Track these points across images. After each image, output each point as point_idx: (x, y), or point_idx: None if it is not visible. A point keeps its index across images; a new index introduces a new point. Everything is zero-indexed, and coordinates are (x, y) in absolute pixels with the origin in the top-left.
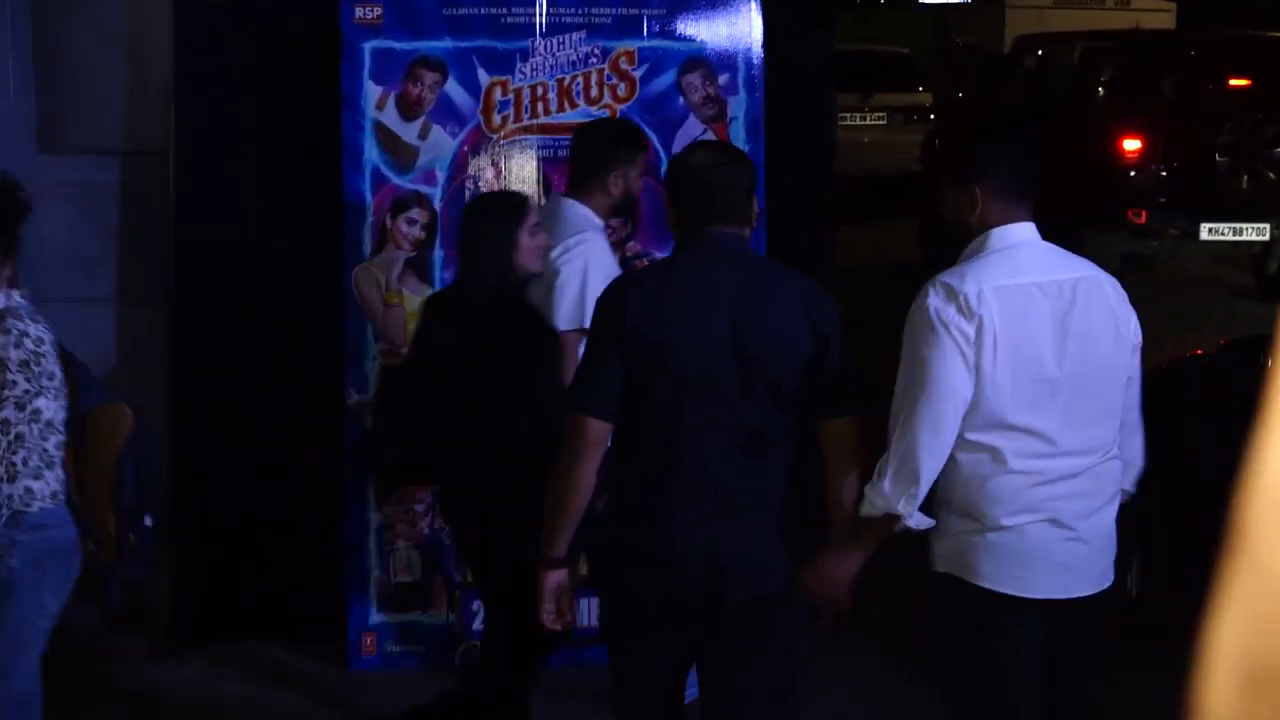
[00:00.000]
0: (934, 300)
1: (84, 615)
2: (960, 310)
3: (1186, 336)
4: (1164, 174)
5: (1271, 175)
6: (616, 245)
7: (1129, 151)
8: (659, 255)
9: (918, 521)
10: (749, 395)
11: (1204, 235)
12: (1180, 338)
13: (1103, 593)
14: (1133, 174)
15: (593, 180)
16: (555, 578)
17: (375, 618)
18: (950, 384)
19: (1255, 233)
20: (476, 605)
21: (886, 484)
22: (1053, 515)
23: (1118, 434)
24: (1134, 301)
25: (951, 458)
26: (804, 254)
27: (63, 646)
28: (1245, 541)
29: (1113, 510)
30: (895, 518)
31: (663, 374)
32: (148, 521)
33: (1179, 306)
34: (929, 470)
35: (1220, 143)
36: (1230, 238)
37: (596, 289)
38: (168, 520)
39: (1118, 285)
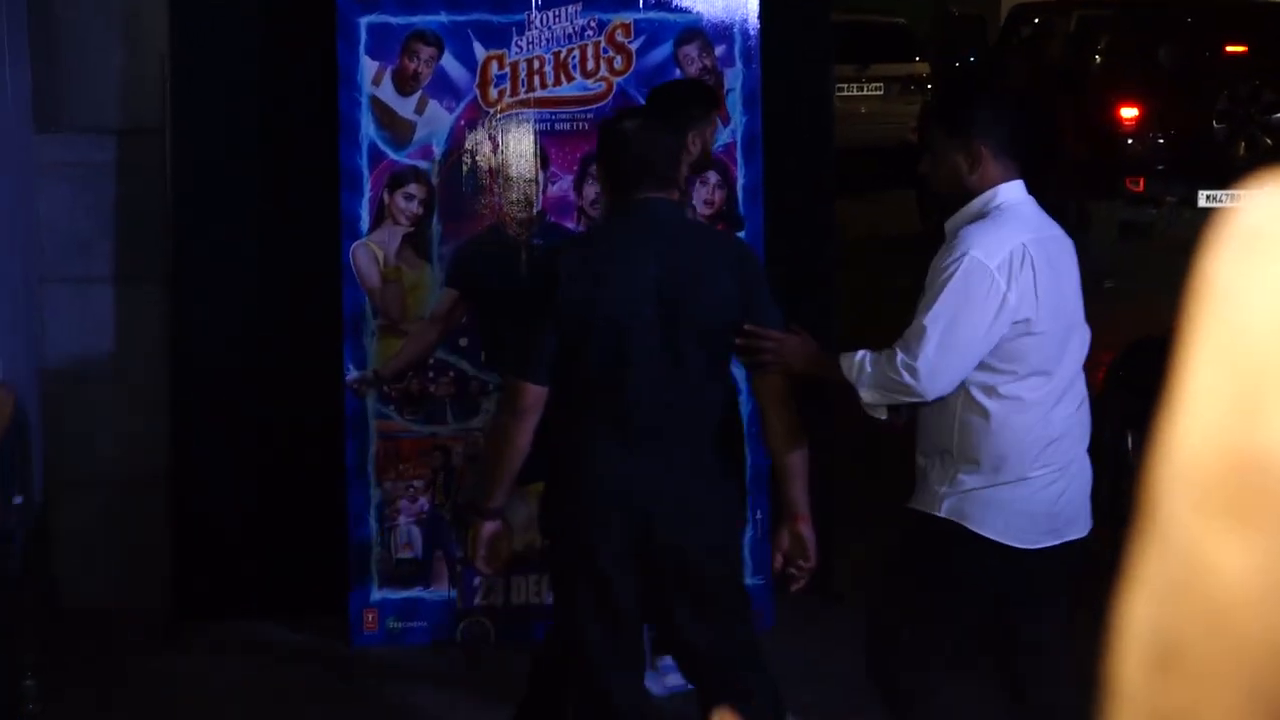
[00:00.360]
0: (975, 251)
1: (88, 590)
2: (1001, 266)
3: (1184, 304)
4: (1161, 142)
5: (1268, 141)
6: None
7: (1126, 119)
8: None
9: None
10: (678, 349)
11: (1202, 202)
12: (1177, 305)
13: (1082, 539)
14: (1130, 142)
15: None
16: (491, 527)
17: (377, 594)
18: (989, 331)
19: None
20: (477, 581)
21: (872, 393)
22: (1061, 465)
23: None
24: (1132, 268)
25: (982, 410)
26: (803, 225)
27: (65, 623)
28: (1154, 519)
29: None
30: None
31: (594, 334)
32: (17, 500)
33: (1177, 273)
34: (939, 393)
35: (1217, 110)
36: (1229, 205)
37: None
38: (168, 497)
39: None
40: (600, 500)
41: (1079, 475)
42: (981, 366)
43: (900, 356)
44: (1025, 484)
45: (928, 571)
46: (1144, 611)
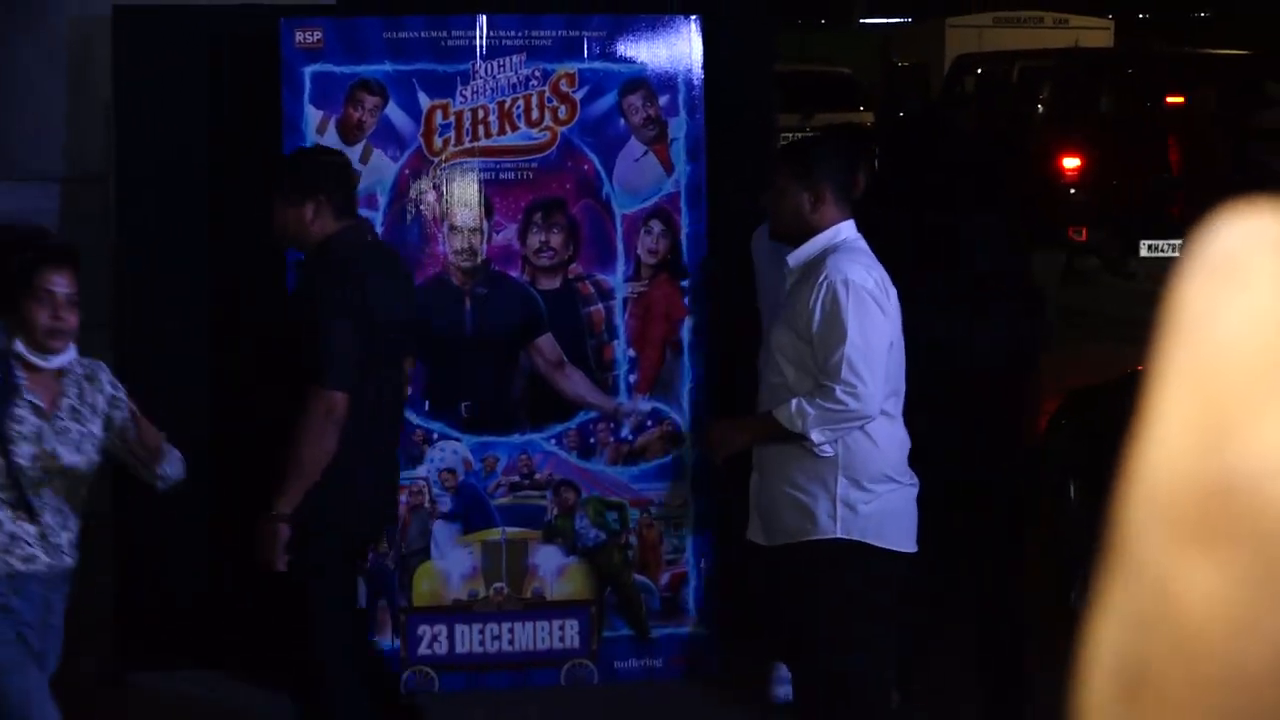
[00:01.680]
0: (853, 276)
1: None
2: (879, 286)
3: (1126, 352)
4: (1103, 191)
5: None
6: (558, 268)
7: (1068, 169)
8: (600, 277)
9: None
10: (399, 363)
11: (1143, 252)
12: (1119, 354)
13: None
14: (1072, 191)
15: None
16: (286, 530)
17: None
18: (886, 346)
19: None
20: (421, 630)
21: (816, 430)
22: (910, 474)
23: None
24: (1075, 317)
25: (873, 427)
26: (747, 273)
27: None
28: (1123, 546)
29: None
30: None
31: (372, 346)
32: None
33: (1118, 322)
34: (880, 409)
35: (1158, 160)
36: (1169, 254)
37: None
38: (113, 542)
39: None
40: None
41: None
42: None
43: (837, 389)
44: (903, 491)
45: (840, 596)
46: (1113, 638)
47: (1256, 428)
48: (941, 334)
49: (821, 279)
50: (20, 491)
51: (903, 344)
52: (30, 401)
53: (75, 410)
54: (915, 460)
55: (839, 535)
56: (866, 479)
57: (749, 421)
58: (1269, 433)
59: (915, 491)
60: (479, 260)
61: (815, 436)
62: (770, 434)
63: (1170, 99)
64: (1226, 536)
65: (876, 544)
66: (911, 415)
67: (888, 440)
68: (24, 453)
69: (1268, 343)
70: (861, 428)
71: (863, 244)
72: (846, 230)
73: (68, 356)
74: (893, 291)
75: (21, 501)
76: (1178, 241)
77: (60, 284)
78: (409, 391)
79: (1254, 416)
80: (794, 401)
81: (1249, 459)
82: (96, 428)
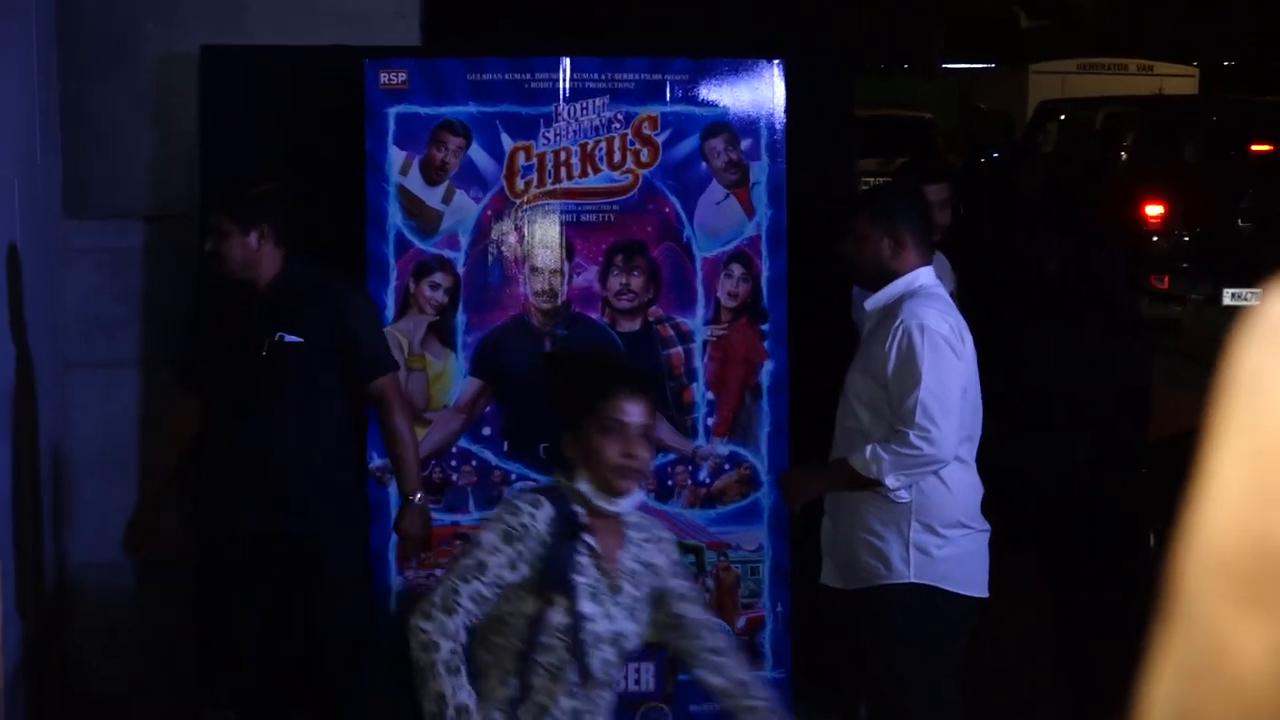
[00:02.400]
0: (929, 321)
1: (108, 675)
2: (954, 331)
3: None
4: (1186, 239)
5: None
6: (638, 310)
7: (1151, 216)
8: (680, 319)
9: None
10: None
11: (1227, 300)
12: (1203, 403)
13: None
14: (1155, 239)
15: None
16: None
17: None
18: (960, 393)
19: None
20: None
21: (890, 473)
22: (982, 520)
23: None
24: (1158, 367)
25: (947, 473)
26: (826, 317)
27: (84, 709)
28: (1180, 598)
29: None
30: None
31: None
32: None
33: (1202, 372)
34: (954, 454)
35: (1242, 208)
36: (1253, 302)
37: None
38: (192, 582)
39: None
40: None
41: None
42: None
43: (911, 434)
44: (976, 537)
45: (912, 639)
46: (1166, 690)
47: None
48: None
49: (898, 324)
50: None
51: (978, 389)
52: (591, 547)
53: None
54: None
55: (912, 580)
56: (940, 524)
57: (824, 469)
58: None
59: (987, 537)
60: (559, 302)
61: (890, 482)
62: (845, 481)
63: (1255, 147)
64: (1278, 597)
65: (949, 589)
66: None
67: (961, 485)
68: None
69: None
70: (936, 473)
71: (940, 290)
72: (924, 276)
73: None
74: (968, 337)
75: (582, 667)
76: (1261, 290)
77: (634, 414)
78: (487, 431)
79: None
80: (869, 448)
81: None
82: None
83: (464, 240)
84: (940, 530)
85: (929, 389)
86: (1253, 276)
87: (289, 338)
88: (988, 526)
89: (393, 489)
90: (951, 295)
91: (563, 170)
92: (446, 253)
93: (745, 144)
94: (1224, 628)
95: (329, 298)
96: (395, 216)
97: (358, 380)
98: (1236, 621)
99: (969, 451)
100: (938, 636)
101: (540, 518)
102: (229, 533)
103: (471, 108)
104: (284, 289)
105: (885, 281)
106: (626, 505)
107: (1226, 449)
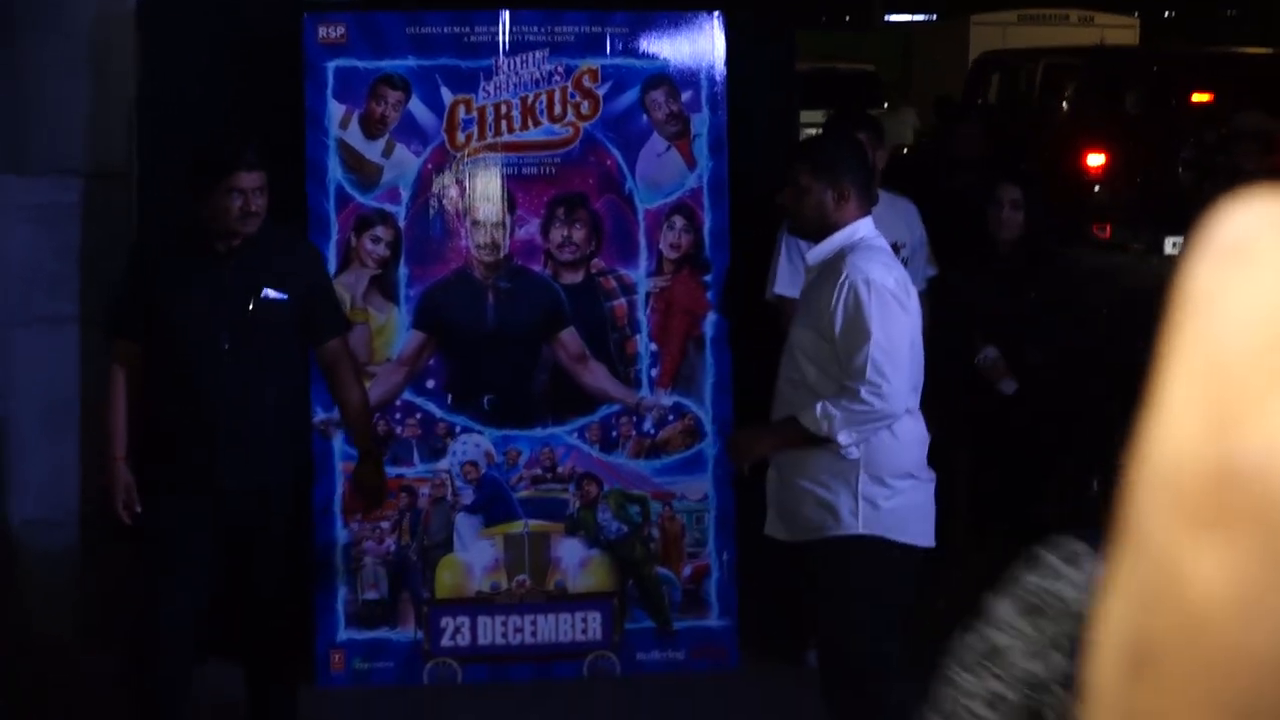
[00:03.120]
0: (874, 275)
1: (55, 625)
2: (899, 283)
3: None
4: (1128, 189)
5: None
6: (580, 262)
7: (1093, 167)
8: (622, 271)
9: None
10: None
11: (1168, 249)
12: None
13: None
14: (1097, 189)
15: None
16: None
17: (343, 634)
18: (908, 343)
19: None
20: (444, 622)
21: (841, 429)
22: (928, 470)
23: None
24: (1097, 314)
25: (896, 425)
26: (768, 268)
27: (31, 655)
28: (1131, 524)
29: None
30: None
31: None
32: None
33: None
34: (907, 408)
35: (1183, 157)
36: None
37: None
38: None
39: None
40: None
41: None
42: None
43: (863, 389)
44: (922, 487)
45: (860, 590)
46: (1120, 617)
47: (1263, 412)
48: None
49: (842, 279)
50: None
51: (921, 342)
52: None
53: None
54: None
55: (861, 531)
56: (888, 475)
57: (773, 428)
58: (1276, 417)
59: (933, 487)
60: (501, 255)
61: (843, 438)
62: (795, 439)
63: (1195, 97)
64: (1233, 520)
65: (896, 539)
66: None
67: (909, 437)
68: None
69: (1275, 326)
70: (888, 426)
71: (881, 241)
72: (864, 228)
73: None
74: (913, 290)
75: None
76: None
77: None
78: (431, 384)
79: (1261, 400)
80: (819, 405)
81: (1256, 443)
82: None
83: (405, 194)
84: (889, 481)
85: (879, 344)
86: (1194, 225)
87: (273, 295)
88: (933, 476)
89: (336, 443)
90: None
91: (503, 123)
92: (387, 206)
93: (686, 96)
94: (1178, 553)
95: (300, 251)
96: (335, 170)
97: (315, 336)
98: (1191, 546)
99: (915, 402)
100: (885, 588)
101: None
102: (191, 485)
103: (411, 61)
104: (258, 245)
105: (826, 233)
106: None
107: (1176, 374)
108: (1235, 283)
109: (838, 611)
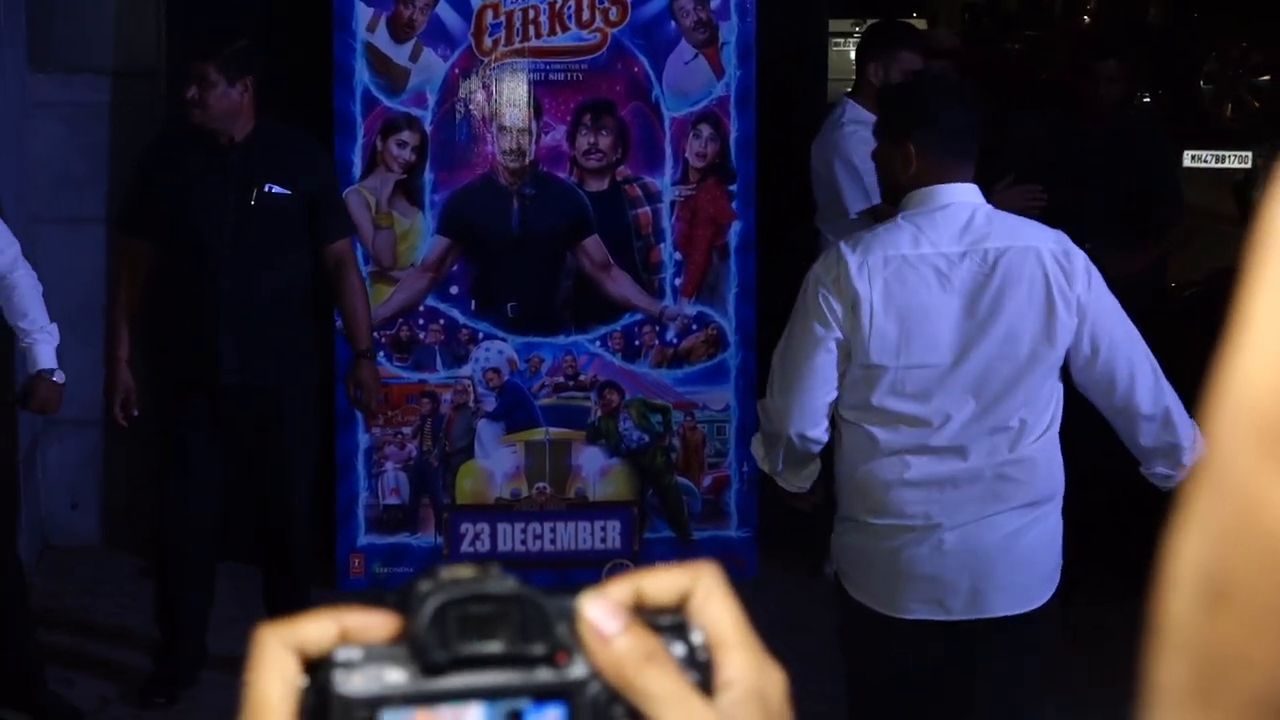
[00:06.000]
0: (818, 268)
1: (77, 529)
2: (835, 282)
3: (1169, 264)
4: (1146, 100)
5: (1255, 103)
6: (605, 170)
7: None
8: (648, 179)
9: (786, 482)
10: None
11: (1186, 162)
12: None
13: (1029, 615)
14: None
15: (859, 78)
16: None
17: (363, 539)
18: (812, 360)
19: (1237, 160)
20: (464, 528)
21: (755, 440)
22: (928, 521)
23: (1047, 428)
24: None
25: (838, 434)
26: (794, 178)
27: (53, 560)
28: (1210, 457)
29: (1032, 519)
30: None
31: None
32: None
33: None
34: (797, 434)
35: (1204, 70)
36: (1213, 164)
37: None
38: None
39: (1071, 256)
40: None
41: (990, 541)
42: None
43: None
44: (873, 535)
45: (840, 636)
46: (1196, 549)
47: None
48: None
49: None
50: None
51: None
52: None
53: None
54: None
55: (833, 567)
56: (843, 509)
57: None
58: None
59: (926, 545)
60: (527, 161)
61: (754, 449)
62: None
63: (1217, 10)
64: None
65: (847, 588)
66: None
67: (859, 473)
68: None
69: None
70: (799, 445)
71: (945, 215)
72: (925, 198)
73: None
74: (926, 281)
75: None
76: (1221, 153)
77: None
78: (455, 290)
79: None
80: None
81: None
82: None
83: (431, 98)
84: (842, 514)
85: (777, 352)
86: (1213, 139)
87: (276, 189)
88: (914, 525)
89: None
90: None
91: (531, 29)
92: (414, 110)
93: (714, 3)
94: (1258, 483)
95: (308, 153)
96: (362, 74)
97: (320, 237)
98: (1272, 478)
99: (910, 414)
100: (847, 646)
101: None
102: (200, 382)
103: None
104: (261, 143)
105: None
106: None
107: (1260, 303)
108: None
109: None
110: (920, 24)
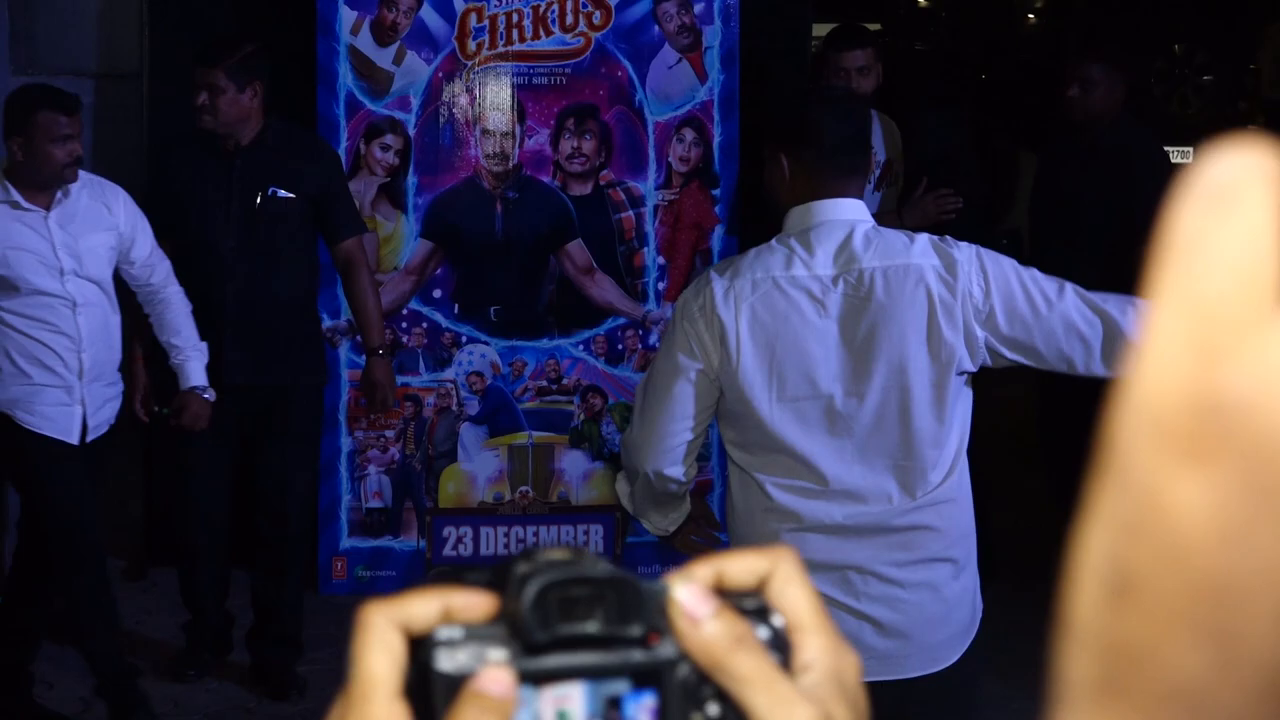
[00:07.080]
0: (687, 293)
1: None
2: (701, 309)
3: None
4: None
5: (1198, 101)
6: (589, 174)
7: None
8: (631, 183)
9: (650, 524)
10: None
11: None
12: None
13: (933, 676)
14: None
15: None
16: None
17: (346, 542)
18: (671, 392)
19: (1180, 156)
20: (446, 531)
21: (619, 478)
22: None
23: (949, 471)
24: None
25: (728, 477)
26: None
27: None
28: (1113, 456)
29: (941, 572)
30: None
31: None
32: None
33: None
34: (654, 471)
35: (1152, 68)
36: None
37: None
38: (139, 445)
39: (955, 267)
40: None
41: (892, 596)
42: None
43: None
44: None
45: None
46: (1100, 546)
47: (1247, 346)
48: None
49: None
50: None
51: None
52: None
53: None
54: None
55: None
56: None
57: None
58: (1259, 351)
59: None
60: (510, 165)
61: (618, 487)
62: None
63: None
64: (1214, 452)
65: None
66: None
67: (740, 505)
68: None
69: (1258, 262)
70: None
71: (820, 234)
72: (799, 216)
73: None
74: (799, 306)
75: None
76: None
77: None
78: (438, 293)
79: (1244, 335)
80: None
81: (1237, 377)
82: None
83: (415, 102)
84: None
85: (642, 382)
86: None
87: (281, 193)
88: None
89: (341, 350)
90: None
91: (514, 32)
92: (397, 114)
93: (698, 8)
94: (1160, 482)
95: (315, 154)
96: (346, 77)
97: (330, 236)
98: (1173, 475)
99: (791, 452)
100: None
101: None
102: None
103: None
104: (266, 146)
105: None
106: None
107: (1162, 310)
108: (1218, 225)
109: None
110: (874, 26)
